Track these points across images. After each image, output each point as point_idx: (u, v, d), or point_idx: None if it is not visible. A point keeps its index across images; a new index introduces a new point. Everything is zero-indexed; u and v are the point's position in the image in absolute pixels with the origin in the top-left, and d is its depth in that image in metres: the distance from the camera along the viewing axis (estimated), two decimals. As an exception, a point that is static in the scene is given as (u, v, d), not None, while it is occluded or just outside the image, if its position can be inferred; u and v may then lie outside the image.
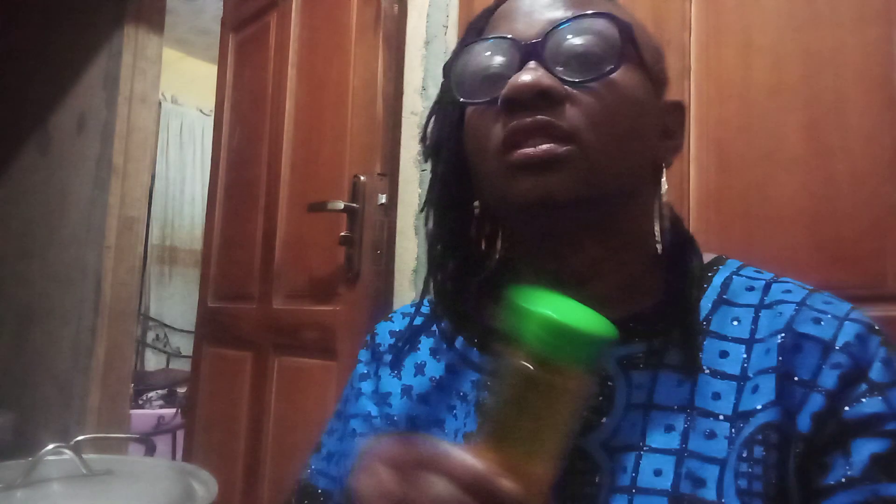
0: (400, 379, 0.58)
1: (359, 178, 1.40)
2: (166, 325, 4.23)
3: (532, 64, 0.47)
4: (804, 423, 0.43)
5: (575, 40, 0.48)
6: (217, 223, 1.91)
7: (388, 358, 0.60)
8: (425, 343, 0.59)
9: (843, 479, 0.42)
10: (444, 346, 0.57)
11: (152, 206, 3.95)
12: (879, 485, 0.41)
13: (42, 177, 2.65)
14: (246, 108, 1.88)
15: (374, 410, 0.58)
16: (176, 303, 4.29)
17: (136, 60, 2.44)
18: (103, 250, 2.33)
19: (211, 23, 3.57)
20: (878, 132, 0.84)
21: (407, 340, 0.60)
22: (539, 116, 0.46)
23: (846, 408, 0.43)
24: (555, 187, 0.46)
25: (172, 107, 4.43)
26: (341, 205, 1.39)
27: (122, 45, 2.41)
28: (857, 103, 0.86)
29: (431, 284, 0.57)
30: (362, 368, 0.62)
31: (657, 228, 0.52)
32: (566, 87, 0.47)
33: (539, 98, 0.47)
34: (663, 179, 0.52)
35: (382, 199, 1.40)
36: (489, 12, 0.56)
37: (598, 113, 0.47)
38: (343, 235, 1.40)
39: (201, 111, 4.48)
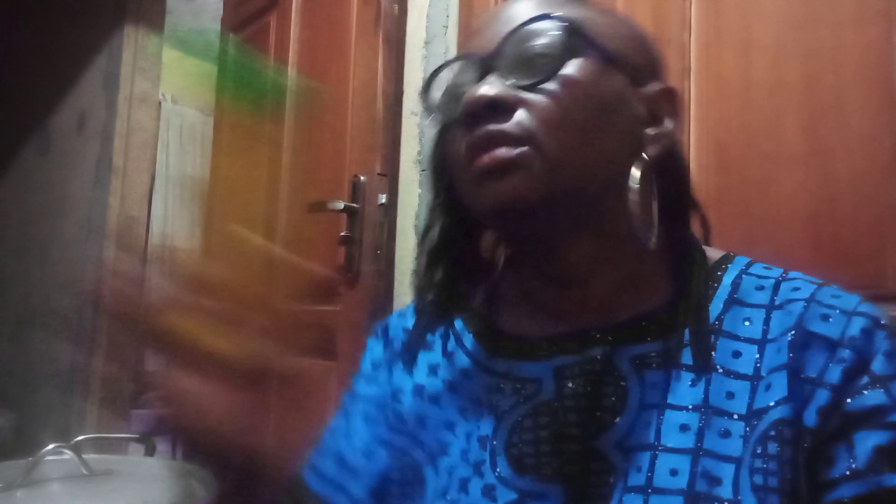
0: (412, 377, 0.58)
1: (359, 178, 1.40)
2: (166, 325, 4.22)
3: (491, 77, 0.49)
4: (811, 417, 0.44)
5: (525, 46, 0.49)
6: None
7: (401, 354, 0.60)
8: (439, 344, 0.59)
9: (848, 472, 0.42)
10: (459, 349, 0.57)
11: (152, 206, 3.94)
12: (883, 476, 0.41)
13: (42, 177, 2.65)
14: (246, 108, 1.88)
15: (383, 393, 0.59)
16: (176, 303, 4.28)
17: (136, 60, 2.44)
18: (103, 250, 2.33)
19: (211, 23, 3.56)
20: (878, 132, 0.84)
21: (418, 340, 0.60)
22: (490, 126, 0.48)
23: (848, 400, 0.43)
24: (514, 189, 0.47)
25: (172, 107, 4.42)
26: (341, 205, 1.39)
27: (122, 45, 2.41)
28: (857, 103, 0.86)
29: (429, 292, 0.58)
30: (375, 354, 0.63)
31: (632, 214, 0.49)
32: (520, 93, 0.48)
33: (491, 108, 0.48)
34: (633, 169, 0.49)
35: (382, 199, 1.40)
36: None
37: (552, 112, 0.47)
38: (343, 235, 1.40)
39: (201, 111, 4.47)
